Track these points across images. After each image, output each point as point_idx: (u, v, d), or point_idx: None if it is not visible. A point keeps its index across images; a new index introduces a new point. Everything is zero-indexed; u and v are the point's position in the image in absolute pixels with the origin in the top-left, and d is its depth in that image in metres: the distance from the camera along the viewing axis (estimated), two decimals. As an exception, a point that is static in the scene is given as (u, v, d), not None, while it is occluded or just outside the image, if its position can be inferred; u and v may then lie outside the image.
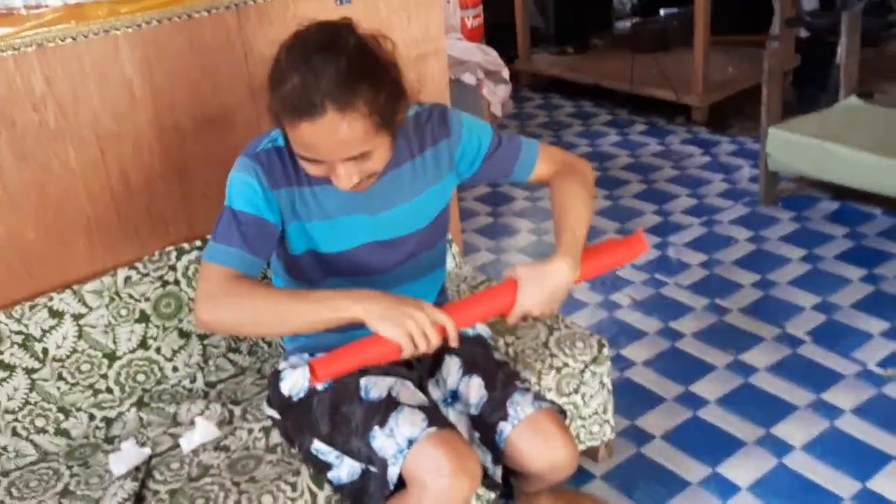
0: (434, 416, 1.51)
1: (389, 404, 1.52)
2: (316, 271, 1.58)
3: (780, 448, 2.07)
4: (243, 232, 1.45)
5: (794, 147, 3.03)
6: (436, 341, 1.37)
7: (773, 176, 3.23)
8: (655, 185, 3.56)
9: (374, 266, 1.58)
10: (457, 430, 1.52)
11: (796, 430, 2.12)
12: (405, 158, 1.54)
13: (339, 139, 1.31)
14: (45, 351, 1.78)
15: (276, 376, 1.68)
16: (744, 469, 2.01)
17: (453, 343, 1.40)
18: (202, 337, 1.96)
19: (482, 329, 1.79)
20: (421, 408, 1.51)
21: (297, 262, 1.57)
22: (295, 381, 1.64)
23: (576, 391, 1.92)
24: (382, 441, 1.48)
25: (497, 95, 3.80)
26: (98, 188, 1.82)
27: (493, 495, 1.84)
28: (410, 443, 1.44)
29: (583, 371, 1.92)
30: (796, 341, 2.46)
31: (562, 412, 1.64)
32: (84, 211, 1.82)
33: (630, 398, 2.26)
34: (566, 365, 1.90)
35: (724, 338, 2.50)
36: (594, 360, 1.94)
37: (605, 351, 1.96)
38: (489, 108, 3.80)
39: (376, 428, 1.49)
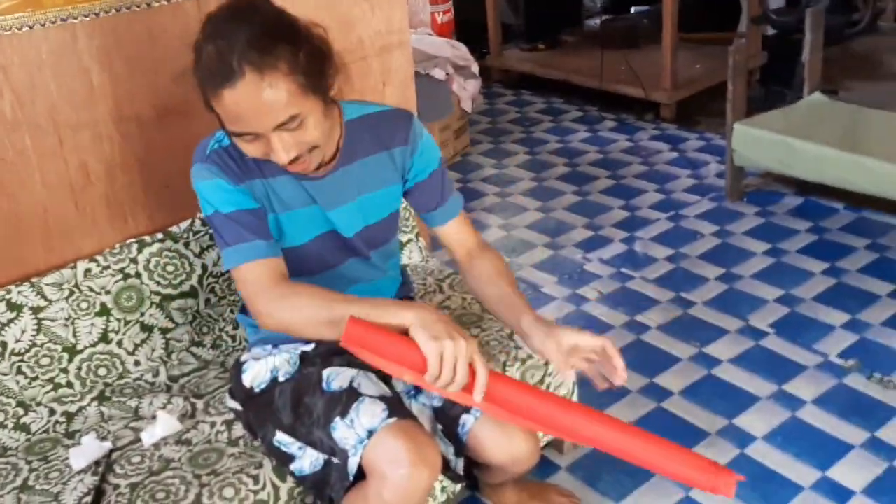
0: (395, 406, 1.50)
1: (351, 395, 1.51)
2: (289, 261, 1.56)
3: (742, 438, 2.09)
4: (245, 224, 1.45)
5: (759, 142, 3.06)
6: (461, 379, 1.29)
7: (739, 171, 3.26)
8: (623, 180, 3.58)
9: (328, 260, 1.57)
10: (417, 421, 1.51)
11: (758, 421, 2.14)
12: (362, 154, 1.54)
13: (262, 103, 1.29)
14: (4, 345, 1.75)
15: (238, 367, 1.67)
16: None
17: (477, 397, 1.30)
18: (165, 331, 1.94)
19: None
20: (382, 398, 1.51)
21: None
22: (257, 373, 1.63)
23: (540, 382, 1.92)
24: (343, 432, 1.47)
25: (467, 91, 3.81)
26: (55, 178, 1.80)
27: (457, 487, 1.84)
28: (370, 433, 1.44)
29: (547, 363, 1.92)
30: (759, 333, 2.49)
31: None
32: (41, 201, 1.79)
33: (594, 390, 2.24)
34: (530, 357, 1.90)
35: (688, 330, 2.53)
36: (559, 352, 1.94)
37: (570, 343, 1.96)
38: (459, 104, 3.80)
39: (337, 419, 1.49)
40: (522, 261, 3.01)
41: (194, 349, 1.97)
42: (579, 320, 2.61)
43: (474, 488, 1.95)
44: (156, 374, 1.92)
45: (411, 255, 2.27)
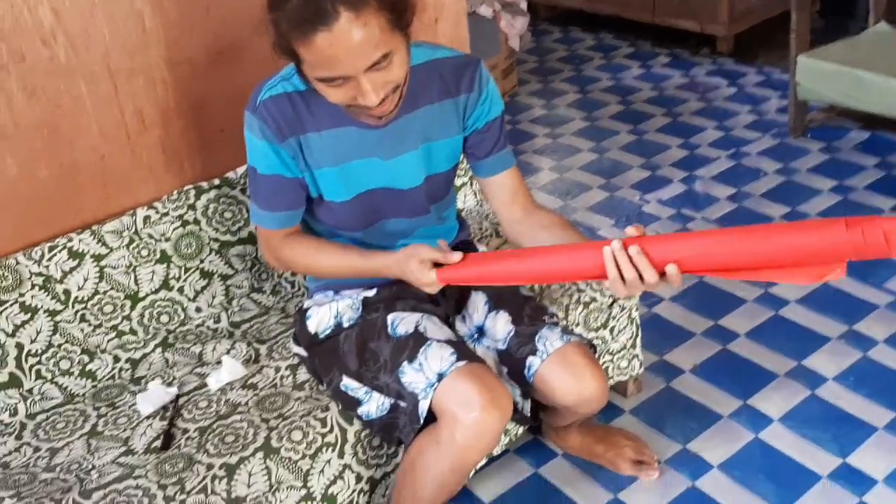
0: (463, 350, 1.48)
1: (417, 339, 1.49)
2: (328, 219, 1.54)
3: (813, 379, 2.03)
4: (269, 191, 1.49)
5: (824, 75, 2.93)
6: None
7: (802, 106, 3.13)
8: (680, 118, 3.47)
9: (383, 214, 1.53)
10: (485, 364, 1.49)
11: (828, 362, 2.08)
12: (426, 101, 1.48)
13: (358, 43, 1.24)
14: (67, 293, 1.76)
15: (302, 314, 1.66)
16: (775, 401, 1.98)
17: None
18: (224, 277, 1.93)
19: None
20: (449, 342, 1.48)
21: (313, 207, 1.55)
22: (321, 319, 1.62)
23: (604, 326, 1.88)
24: (412, 376, 1.45)
25: (514, 28, 3.71)
26: (111, 125, 1.78)
27: (521, 429, 1.82)
28: (440, 377, 1.42)
29: (611, 305, 1.88)
30: (828, 273, 2.40)
31: (591, 346, 1.60)
32: (98, 148, 1.78)
33: (658, 334, 2.22)
34: (594, 300, 1.86)
35: (753, 271, 2.45)
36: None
37: (635, 284, 1.91)
38: (507, 42, 3.71)
39: (405, 363, 1.47)
40: (577, 203, 2.94)
41: (254, 295, 1.97)
42: (638, 262, 2.55)
43: (537, 431, 1.93)
44: (217, 321, 1.92)
45: (466, 200, 2.22)
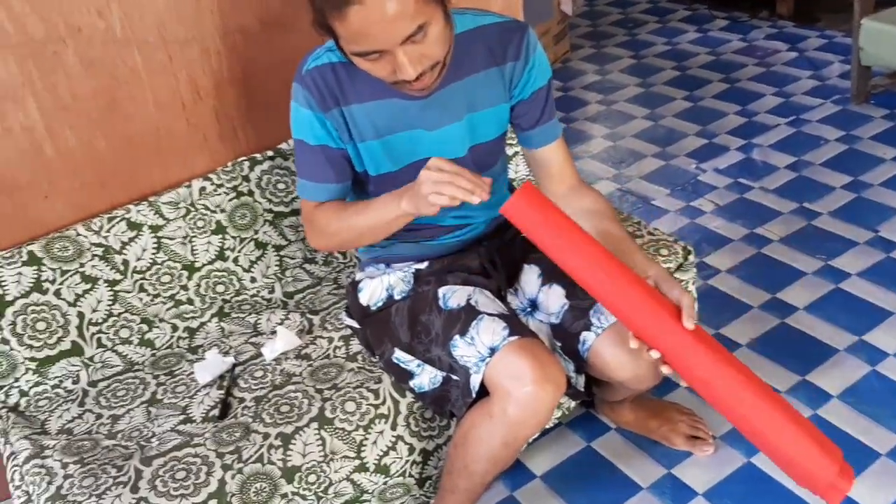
0: (515, 324, 1.47)
1: (469, 313, 1.48)
2: (372, 192, 1.53)
3: (874, 355, 1.98)
4: (313, 163, 1.48)
5: (890, 40, 2.82)
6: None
7: (866, 71, 3.02)
8: (738, 84, 3.39)
9: None
10: (538, 338, 1.48)
11: (891, 337, 2.02)
12: (471, 69, 1.45)
13: (391, 16, 1.21)
14: (126, 263, 1.79)
15: (354, 287, 1.66)
16: (834, 377, 1.93)
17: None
18: (278, 248, 1.94)
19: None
20: (501, 316, 1.47)
21: (360, 180, 1.54)
22: (373, 291, 1.62)
23: (658, 300, 1.85)
24: (464, 349, 1.45)
25: (568, -8, 3.64)
26: (167, 95, 1.79)
27: (573, 403, 1.81)
28: (492, 351, 1.41)
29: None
30: (891, 245, 2.33)
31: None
32: (153, 119, 1.79)
33: (714, 306, 2.19)
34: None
35: (813, 243, 2.39)
36: (679, 268, 1.86)
37: (691, 258, 1.88)
38: (559, 6, 3.64)
39: (457, 337, 1.46)
40: (631, 172, 2.89)
41: (307, 266, 1.98)
42: (695, 233, 2.51)
43: (590, 405, 1.92)
44: (271, 291, 1.93)
45: (518, 170, 2.20)
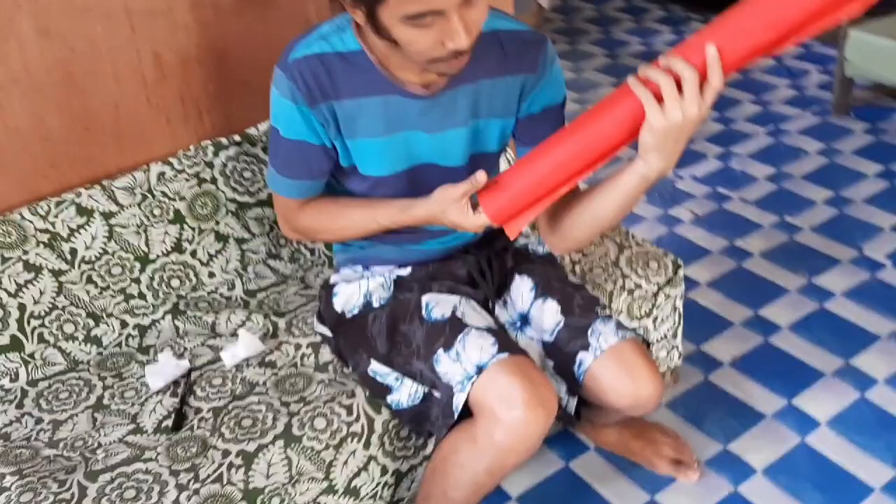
0: (504, 340, 1.35)
1: (455, 325, 1.36)
2: (361, 190, 1.40)
3: (862, 381, 1.91)
4: (291, 157, 1.36)
5: (878, 52, 2.77)
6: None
7: (849, 83, 2.98)
8: (716, 90, 3.31)
9: (424, 191, 1.34)
10: (530, 357, 1.36)
11: (879, 362, 1.95)
12: (482, 74, 1.31)
13: None
14: (74, 252, 1.63)
15: (327, 291, 1.53)
16: (822, 402, 1.86)
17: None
18: (241, 241, 1.80)
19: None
20: (489, 331, 1.36)
21: (343, 176, 1.40)
22: (349, 297, 1.49)
23: (647, 315, 1.76)
24: (447, 366, 1.33)
25: (547, -15, 3.53)
26: (127, 70, 1.63)
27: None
28: (480, 369, 1.29)
29: (656, 294, 1.75)
30: (875, 265, 2.28)
31: (645, 343, 1.48)
32: (112, 96, 1.63)
33: (695, 321, 2.10)
34: (638, 286, 1.73)
35: (795, 258, 2.32)
36: (668, 282, 1.77)
37: (681, 272, 1.79)
38: None
39: (441, 351, 1.34)
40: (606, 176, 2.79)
41: (271, 262, 1.83)
42: (672, 243, 2.42)
43: (570, 424, 1.82)
44: (231, 288, 1.79)
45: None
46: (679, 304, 1.82)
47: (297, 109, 1.29)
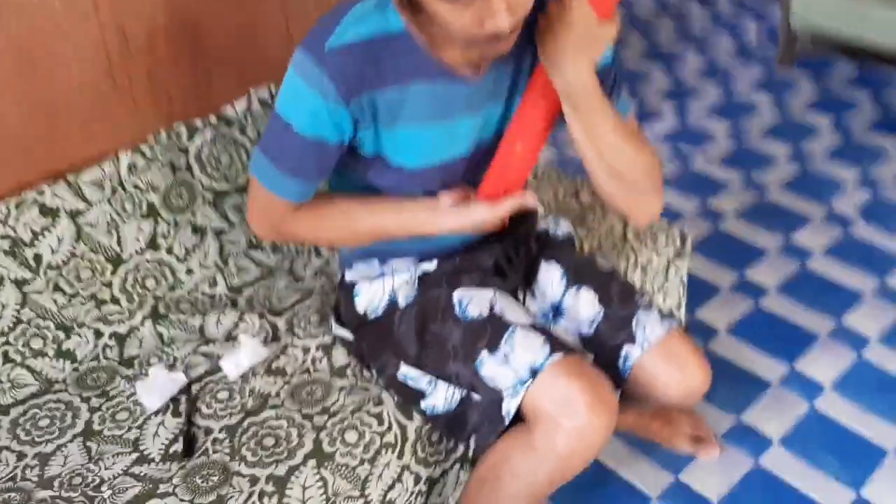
0: (552, 338, 1.26)
1: (496, 323, 1.26)
2: (384, 183, 1.26)
3: (856, 341, 1.91)
4: (299, 154, 1.17)
5: (825, 6, 2.78)
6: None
7: (794, 36, 2.99)
8: (658, 45, 3.27)
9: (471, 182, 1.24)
10: (584, 355, 1.28)
11: (871, 321, 1.96)
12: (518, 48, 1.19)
13: None
14: (38, 257, 1.43)
15: (347, 291, 1.39)
16: (823, 366, 1.85)
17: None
18: (219, 232, 1.63)
19: (567, 226, 1.52)
20: (535, 328, 1.26)
21: (364, 164, 1.24)
22: (373, 296, 1.36)
23: (659, 290, 1.70)
24: (494, 369, 1.23)
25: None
26: (89, 47, 1.42)
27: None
28: (534, 373, 1.20)
29: (667, 267, 1.70)
30: (846, 221, 2.30)
31: (686, 329, 1.41)
32: (74, 76, 1.42)
33: (694, 294, 2.06)
34: (650, 261, 1.67)
35: (769, 217, 2.32)
36: (678, 255, 1.72)
37: (689, 244, 1.74)
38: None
39: (484, 353, 1.24)
40: (561, 138, 2.71)
41: (253, 253, 1.67)
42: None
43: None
44: (213, 285, 1.62)
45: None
46: (685, 276, 1.77)
47: (325, 105, 1.12)
